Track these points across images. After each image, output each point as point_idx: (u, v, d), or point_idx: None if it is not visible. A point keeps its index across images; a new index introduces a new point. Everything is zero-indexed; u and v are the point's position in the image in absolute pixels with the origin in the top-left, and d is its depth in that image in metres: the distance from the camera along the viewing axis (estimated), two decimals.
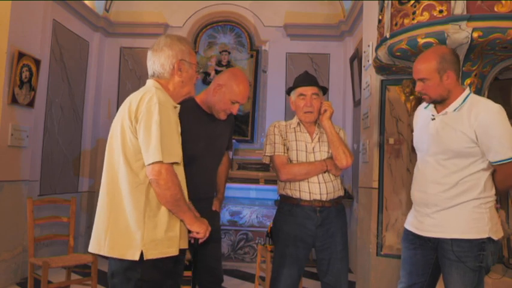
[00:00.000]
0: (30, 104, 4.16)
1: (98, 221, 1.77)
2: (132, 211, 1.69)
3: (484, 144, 1.91)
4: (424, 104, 2.21)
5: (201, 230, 1.85)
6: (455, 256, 1.94)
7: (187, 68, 1.90)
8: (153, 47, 1.91)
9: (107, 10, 5.83)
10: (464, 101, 1.99)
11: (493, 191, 1.99)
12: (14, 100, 3.91)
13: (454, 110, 1.99)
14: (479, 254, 1.92)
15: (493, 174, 1.99)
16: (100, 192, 1.80)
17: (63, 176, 5.10)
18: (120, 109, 1.82)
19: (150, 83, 1.88)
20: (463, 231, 1.95)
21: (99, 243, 1.74)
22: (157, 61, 1.87)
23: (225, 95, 2.26)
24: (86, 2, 5.34)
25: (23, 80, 4.02)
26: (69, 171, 5.26)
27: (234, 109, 2.29)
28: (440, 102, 2.06)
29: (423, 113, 2.20)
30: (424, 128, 2.15)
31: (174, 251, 1.75)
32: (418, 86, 2.07)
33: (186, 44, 1.92)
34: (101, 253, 1.73)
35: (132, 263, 1.67)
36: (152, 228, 1.69)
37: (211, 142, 2.34)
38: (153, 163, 1.66)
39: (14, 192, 3.96)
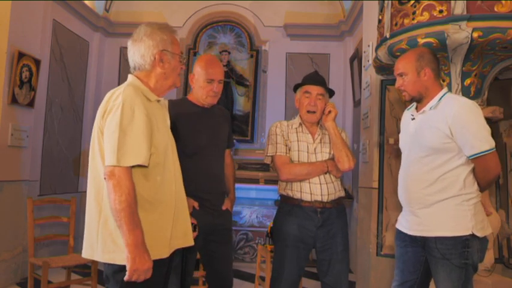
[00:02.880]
0: (30, 104, 4.17)
1: (88, 226, 1.70)
2: None
3: (460, 139, 1.95)
4: (408, 107, 2.28)
5: (131, 265, 1.54)
6: (440, 254, 1.97)
7: (169, 58, 1.79)
8: (133, 36, 1.79)
9: (107, 10, 5.83)
10: (440, 99, 2.05)
11: (475, 188, 2.01)
12: (14, 100, 3.91)
13: (431, 108, 2.06)
14: (464, 251, 1.95)
15: (474, 171, 2.01)
16: (87, 195, 1.72)
17: (63, 176, 5.10)
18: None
19: (128, 78, 1.79)
20: (445, 228, 1.98)
21: (91, 248, 1.67)
22: (137, 52, 1.77)
23: (198, 80, 2.37)
24: (86, 2, 5.34)
25: (23, 80, 4.02)
26: (69, 171, 5.25)
27: (215, 87, 2.36)
28: (419, 101, 2.13)
29: (406, 115, 2.27)
30: (405, 129, 2.23)
31: (161, 254, 1.67)
32: (398, 82, 2.16)
33: (168, 32, 1.80)
34: (95, 258, 1.66)
35: (120, 266, 1.60)
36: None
37: (213, 133, 2.40)
38: (108, 165, 1.58)
39: (14, 192, 3.96)
